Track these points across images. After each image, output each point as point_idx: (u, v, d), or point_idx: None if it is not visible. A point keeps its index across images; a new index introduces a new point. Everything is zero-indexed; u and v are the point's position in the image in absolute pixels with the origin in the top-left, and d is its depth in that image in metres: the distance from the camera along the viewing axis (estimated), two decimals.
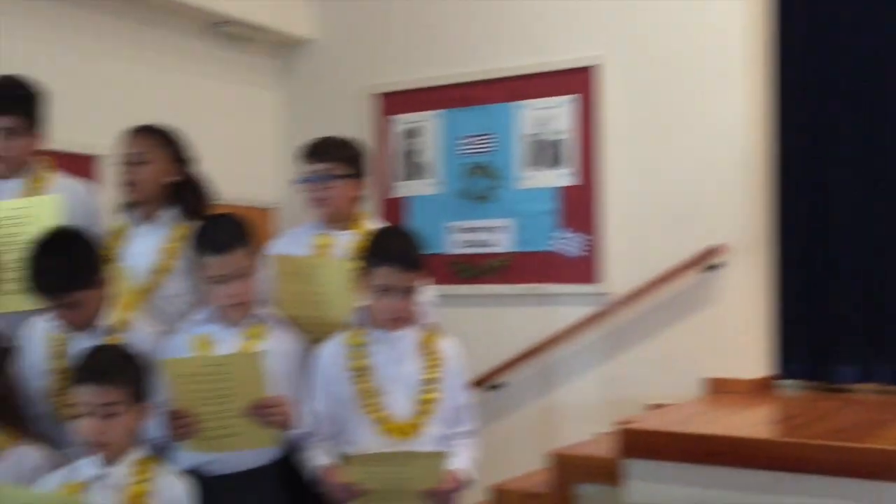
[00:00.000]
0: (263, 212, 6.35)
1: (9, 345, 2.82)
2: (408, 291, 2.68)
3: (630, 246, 5.14)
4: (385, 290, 2.66)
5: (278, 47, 6.45)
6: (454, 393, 2.76)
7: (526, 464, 4.55)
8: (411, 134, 6.03)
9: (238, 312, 2.73)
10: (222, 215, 2.88)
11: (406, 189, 6.02)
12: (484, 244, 5.69)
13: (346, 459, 2.57)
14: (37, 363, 2.78)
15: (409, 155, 6.04)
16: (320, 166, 3.10)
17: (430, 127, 5.96)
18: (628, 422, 3.67)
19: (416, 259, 2.70)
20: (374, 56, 6.13)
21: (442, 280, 5.59)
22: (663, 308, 4.99)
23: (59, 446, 2.69)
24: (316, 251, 3.07)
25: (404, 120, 6.06)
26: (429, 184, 5.95)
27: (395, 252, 2.68)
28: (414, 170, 6.01)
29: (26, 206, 2.95)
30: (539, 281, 5.45)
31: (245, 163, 6.24)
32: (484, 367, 5.30)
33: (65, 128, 4.97)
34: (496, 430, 5.28)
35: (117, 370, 2.41)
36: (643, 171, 5.14)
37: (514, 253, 5.56)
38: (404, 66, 6.03)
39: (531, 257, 5.50)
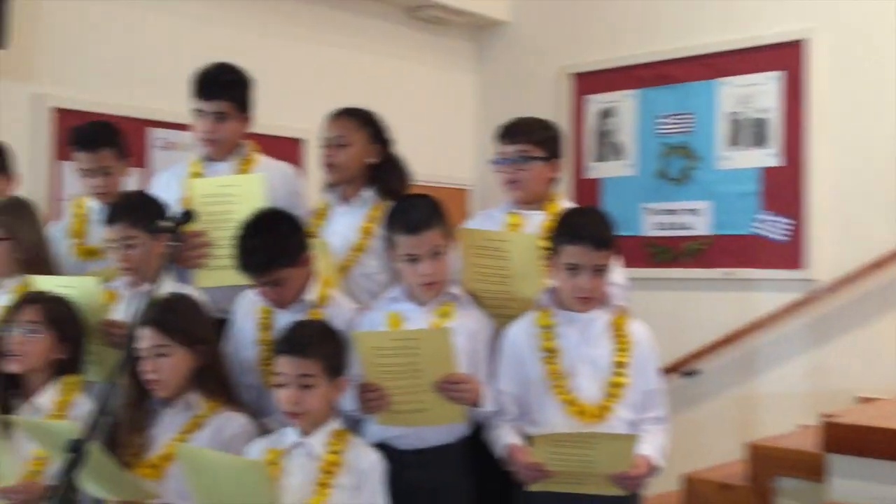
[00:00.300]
0: (460, 192, 6.44)
1: (222, 316, 2.99)
2: (597, 271, 2.63)
3: (838, 230, 4.86)
4: (574, 269, 2.63)
5: (474, 30, 6.51)
6: (644, 378, 2.70)
7: (721, 454, 4.40)
8: (606, 114, 5.94)
9: (430, 291, 2.76)
10: (416, 195, 2.93)
11: (600, 170, 5.94)
12: (681, 227, 5.54)
13: (532, 440, 2.56)
14: (246, 334, 2.93)
15: (604, 135, 5.95)
16: (514, 148, 3.08)
17: (626, 106, 5.84)
18: (834, 415, 3.48)
19: (606, 238, 2.65)
20: (569, 36, 6.08)
21: (636, 263, 5.51)
22: (876, 296, 4.70)
23: (265, 414, 2.84)
24: (507, 230, 3.06)
25: (599, 100, 5.97)
26: (624, 164, 5.84)
27: (585, 230, 2.64)
28: (609, 150, 5.92)
29: (234, 184, 3.10)
30: (738, 265, 5.25)
31: (442, 144, 6.35)
32: (678, 353, 5.17)
33: (274, 112, 5.25)
34: (690, 417, 5.14)
35: (315, 344, 2.50)
36: (854, 150, 4.85)
37: (712, 236, 5.38)
38: (600, 45, 5.94)
39: (731, 241, 5.30)
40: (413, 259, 2.71)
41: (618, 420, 2.64)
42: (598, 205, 5.74)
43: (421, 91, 6.26)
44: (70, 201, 3.56)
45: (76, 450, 1.93)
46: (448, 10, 6.11)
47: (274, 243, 2.74)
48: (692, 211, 5.48)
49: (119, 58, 4.76)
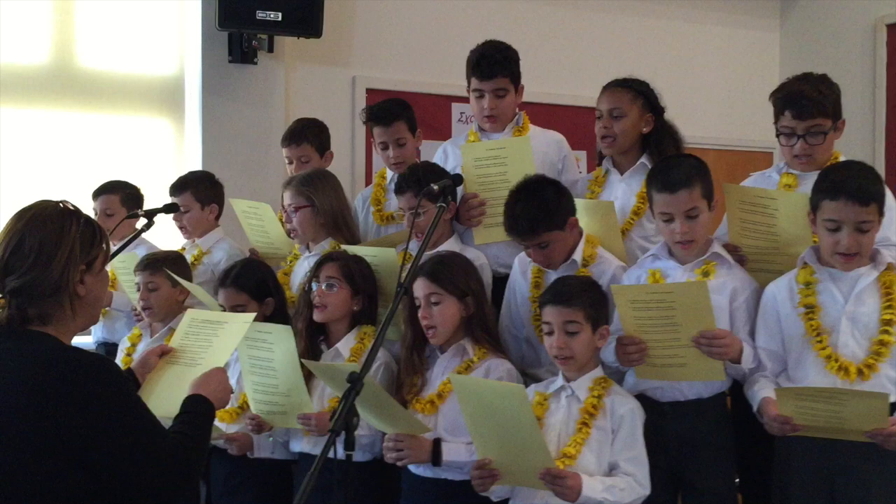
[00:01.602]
0: (764, 156, 6.24)
1: (504, 272, 3.23)
2: (860, 228, 2.55)
3: None
4: (834, 225, 2.56)
5: None
6: None
7: None
8: None
9: (686, 250, 2.81)
10: (681, 155, 2.97)
11: None
12: None
13: (778, 392, 2.54)
14: (522, 290, 3.13)
15: None
16: (806, 124, 2.92)
17: None
18: None
19: (869, 193, 2.55)
20: None
21: None
22: None
23: (538, 366, 3.05)
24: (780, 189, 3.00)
25: None
26: None
27: (846, 185, 2.55)
28: None
29: (502, 147, 3.30)
30: None
31: (744, 107, 6.18)
32: None
33: (573, 83, 5.44)
34: None
35: (577, 294, 2.67)
36: None
37: None
38: None
39: None
40: (668, 217, 2.78)
41: (885, 379, 2.56)
42: None
43: (721, 53, 6.16)
44: (377, 172, 3.95)
45: (354, 381, 2.23)
46: None
47: (538, 209, 2.89)
48: None
49: (422, 40, 5.17)
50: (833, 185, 2.58)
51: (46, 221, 2.10)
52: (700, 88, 5.95)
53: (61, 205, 2.16)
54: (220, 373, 2.53)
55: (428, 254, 3.11)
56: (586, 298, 2.67)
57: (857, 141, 5.84)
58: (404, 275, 2.52)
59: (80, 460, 1.97)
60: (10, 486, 1.96)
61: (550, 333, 2.67)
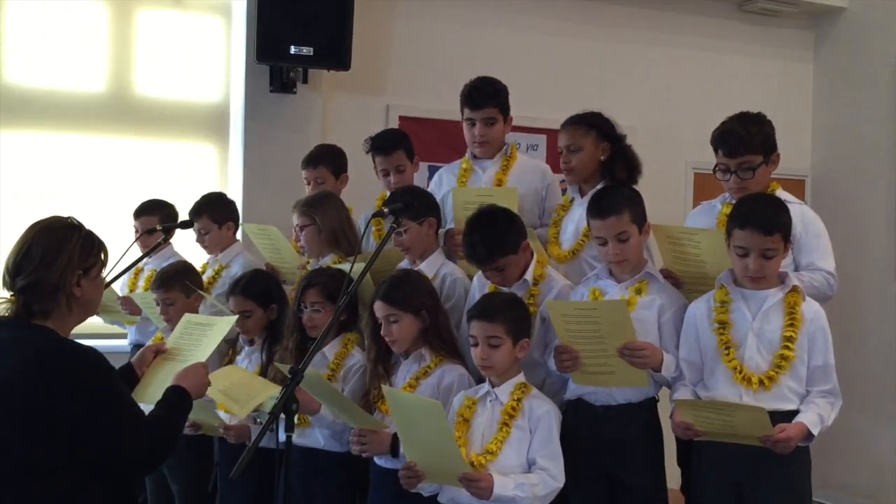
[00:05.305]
0: (797, 183, 6.37)
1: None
2: (765, 255, 2.81)
3: None
4: (743, 251, 2.83)
5: (810, 17, 6.43)
6: (814, 353, 2.84)
7: None
8: None
9: (620, 270, 3.09)
10: (612, 186, 3.26)
11: None
12: None
13: (678, 403, 2.82)
14: None
15: None
16: (737, 161, 3.19)
17: None
18: None
19: (773, 223, 2.80)
20: None
21: None
22: None
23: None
24: (720, 221, 3.25)
25: None
26: None
27: (752, 216, 2.82)
28: None
29: (491, 195, 3.53)
30: None
31: (780, 135, 6.26)
32: None
33: (611, 110, 5.70)
34: None
35: (499, 311, 2.96)
36: None
37: None
38: None
39: None
40: (602, 241, 3.07)
41: (785, 389, 2.81)
42: None
43: (755, 83, 6.31)
44: (379, 196, 4.31)
45: (294, 374, 2.62)
46: (779, 1, 6.14)
47: (492, 238, 3.16)
48: None
49: (452, 69, 5.41)
50: (741, 216, 2.85)
51: (52, 232, 2.51)
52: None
53: (68, 220, 2.59)
54: (200, 367, 2.89)
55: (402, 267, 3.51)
56: (508, 315, 2.95)
57: (881, 168, 5.95)
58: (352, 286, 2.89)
59: (65, 431, 2.34)
60: (4, 453, 2.36)
61: (476, 345, 2.96)
